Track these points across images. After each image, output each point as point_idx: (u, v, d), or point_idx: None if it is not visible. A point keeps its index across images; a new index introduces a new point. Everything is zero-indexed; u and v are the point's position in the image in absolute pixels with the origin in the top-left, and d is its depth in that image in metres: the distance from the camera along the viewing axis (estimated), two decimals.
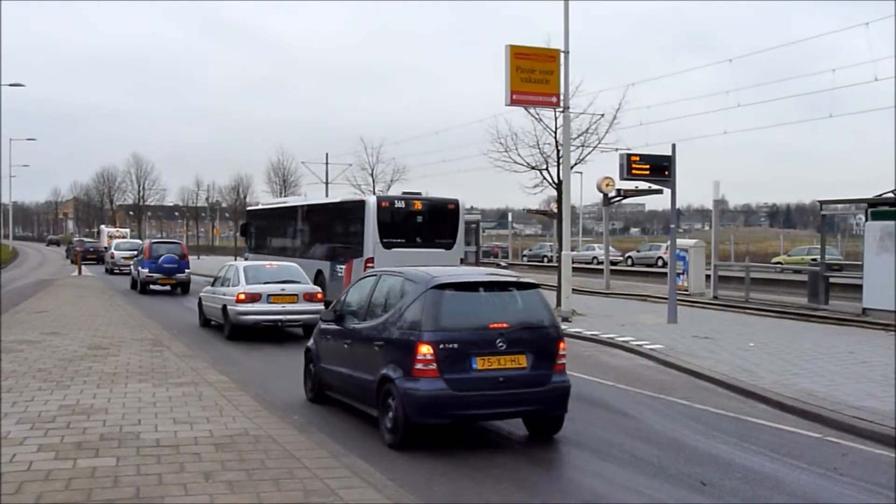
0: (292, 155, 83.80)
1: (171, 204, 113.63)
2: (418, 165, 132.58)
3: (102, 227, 74.83)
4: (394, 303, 9.45)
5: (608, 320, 20.34)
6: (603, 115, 22.87)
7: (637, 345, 16.00)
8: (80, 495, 6.26)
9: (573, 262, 23.60)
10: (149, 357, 13.57)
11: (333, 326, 10.73)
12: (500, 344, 8.71)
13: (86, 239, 71.04)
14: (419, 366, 8.52)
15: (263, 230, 33.17)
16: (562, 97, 20.67)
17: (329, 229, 26.30)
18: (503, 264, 29.22)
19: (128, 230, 73.92)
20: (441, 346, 8.54)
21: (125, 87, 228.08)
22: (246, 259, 29.90)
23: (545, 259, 60.32)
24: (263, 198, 75.06)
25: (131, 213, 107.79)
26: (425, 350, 8.50)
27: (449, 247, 22.81)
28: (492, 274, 10.39)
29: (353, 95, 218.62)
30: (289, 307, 17.63)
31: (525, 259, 63.26)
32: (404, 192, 24.89)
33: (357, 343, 9.97)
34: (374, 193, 28.68)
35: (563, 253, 21.47)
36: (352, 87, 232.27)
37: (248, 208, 42.25)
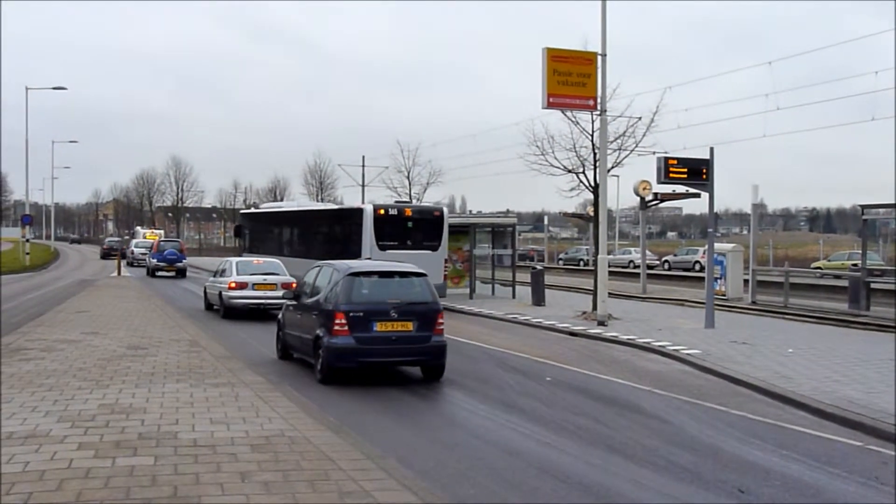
0: (329, 157, 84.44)
1: (209, 206, 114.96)
2: (455, 168, 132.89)
3: (138, 228, 76.74)
4: (326, 285, 13.34)
5: (644, 325, 20.20)
6: (640, 119, 22.75)
7: (673, 349, 15.87)
8: (119, 493, 6.34)
9: (609, 266, 23.47)
10: (186, 357, 13.71)
11: (293, 302, 14.86)
12: (393, 314, 12.50)
13: (111, 238, 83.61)
14: (336, 328, 12.33)
15: (262, 232, 36.30)
16: (599, 100, 20.56)
17: (329, 232, 29.77)
18: (538, 267, 29.03)
19: (162, 231, 74.98)
20: (350, 314, 12.38)
21: (167, 89, 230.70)
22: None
23: (581, 263, 60.02)
24: (300, 199, 75.66)
25: (170, 214, 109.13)
26: (339, 317, 12.33)
27: (435, 248, 26.22)
28: (395, 267, 14.10)
29: (391, 98, 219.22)
30: (269, 293, 22.05)
31: (561, 262, 62.90)
32: (396, 202, 29.04)
33: (304, 313, 13.92)
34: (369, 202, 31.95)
35: (599, 257, 21.36)
36: (391, 89, 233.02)
37: (241, 212, 46.77)
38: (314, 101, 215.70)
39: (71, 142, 78.80)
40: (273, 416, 9.30)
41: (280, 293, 20.37)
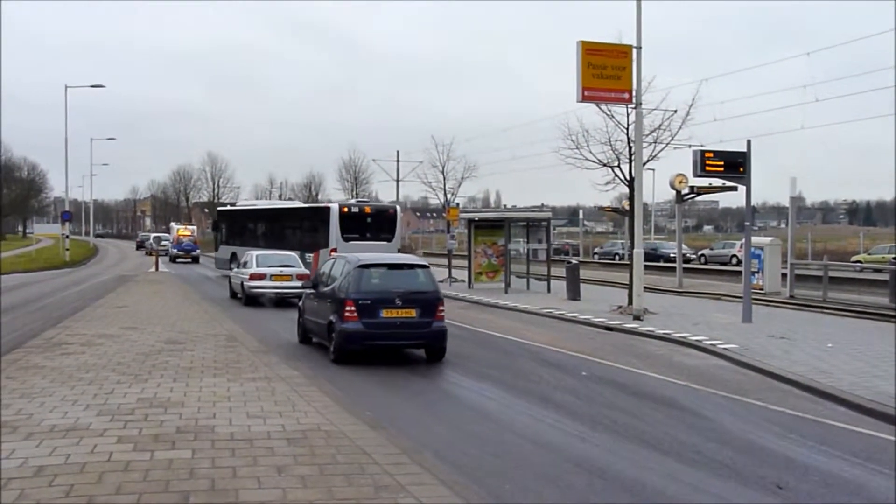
0: (364, 152, 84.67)
1: (246, 201, 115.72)
2: (489, 163, 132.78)
3: (173, 224, 77.90)
4: (339, 275, 14.76)
5: (681, 319, 20.05)
6: (676, 111, 22.52)
7: (710, 344, 15.73)
8: (158, 486, 6.41)
9: (645, 261, 23.33)
10: (223, 352, 13.84)
11: (311, 291, 16.35)
12: (398, 301, 13.88)
13: (141, 233, 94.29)
14: (347, 314, 13.75)
15: (240, 226, 40.22)
16: (634, 93, 20.38)
17: (300, 227, 34.71)
18: (574, 262, 28.97)
19: (195, 227, 75.87)
20: (359, 302, 13.78)
21: (203, 86, 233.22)
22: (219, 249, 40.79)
23: (616, 257, 59.60)
24: (335, 195, 76.37)
25: (206, 210, 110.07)
26: (349, 305, 13.74)
27: (389, 240, 31.20)
28: (400, 259, 16.23)
29: (426, 94, 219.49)
30: (285, 283, 24.35)
31: (596, 257, 62.48)
32: (358, 201, 36.42)
33: (320, 301, 15.33)
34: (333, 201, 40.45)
35: (634, 251, 21.21)
36: (426, 85, 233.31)
37: (218, 209, 50.93)
38: (348, 97, 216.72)
39: (109, 139, 79.79)
40: (309, 410, 9.36)
41: (295, 283, 23.78)
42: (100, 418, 8.69)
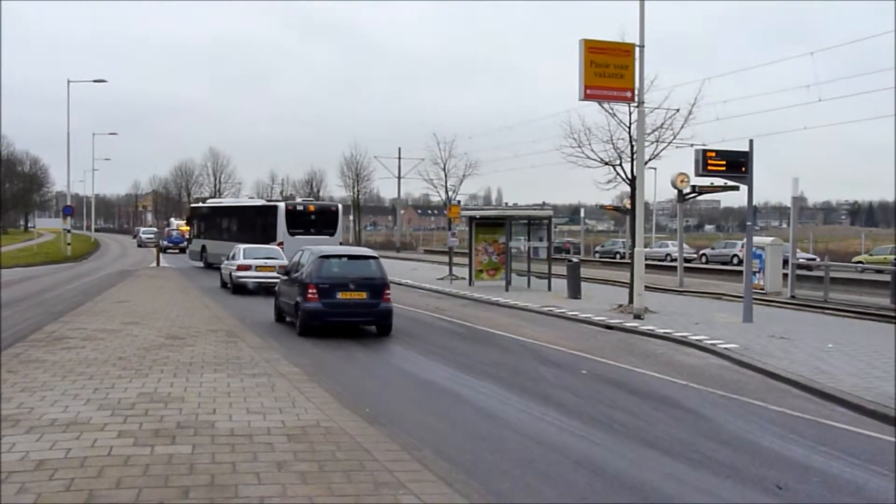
0: (366, 149, 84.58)
1: (247, 197, 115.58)
2: (491, 160, 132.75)
3: (172, 219, 78.59)
4: (305, 263, 17.54)
5: (681, 318, 20.04)
6: (678, 110, 22.50)
7: (711, 344, 15.72)
8: (158, 481, 6.43)
9: (646, 259, 23.32)
10: (224, 348, 13.85)
11: (284, 277, 19.32)
12: (352, 286, 16.77)
13: (137, 228, 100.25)
14: (309, 295, 16.55)
15: (207, 222, 44.08)
16: (636, 92, 20.36)
17: (254, 222, 38.48)
18: (575, 260, 28.97)
19: None
20: (319, 286, 16.55)
21: (207, 80, 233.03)
22: (196, 241, 44.83)
23: (617, 255, 59.58)
24: (336, 192, 76.59)
25: None
26: (311, 288, 16.52)
27: (332, 234, 35.31)
28: (354, 251, 19.81)
29: (429, 91, 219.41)
30: (268, 274, 26.37)
31: (597, 255, 62.45)
32: (303, 199, 42.67)
33: (291, 286, 18.01)
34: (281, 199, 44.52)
35: (635, 250, 21.20)
36: (430, 82, 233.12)
37: (191, 206, 55.08)
38: (352, 94, 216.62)
39: (111, 134, 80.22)
40: (309, 406, 9.37)
41: (277, 273, 25.09)
42: (100, 413, 8.70)
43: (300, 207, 36.17)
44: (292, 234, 34.25)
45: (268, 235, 34.97)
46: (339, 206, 39.08)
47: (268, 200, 41.46)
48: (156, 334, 15.29)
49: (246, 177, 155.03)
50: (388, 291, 17.12)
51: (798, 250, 30.57)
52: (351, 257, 18.13)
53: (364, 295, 16.76)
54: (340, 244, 34.93)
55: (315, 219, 35.78)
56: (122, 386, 10.24)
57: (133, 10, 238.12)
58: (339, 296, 16.60)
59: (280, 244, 32.46)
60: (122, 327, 16.24)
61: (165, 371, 11.39)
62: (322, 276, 16.76)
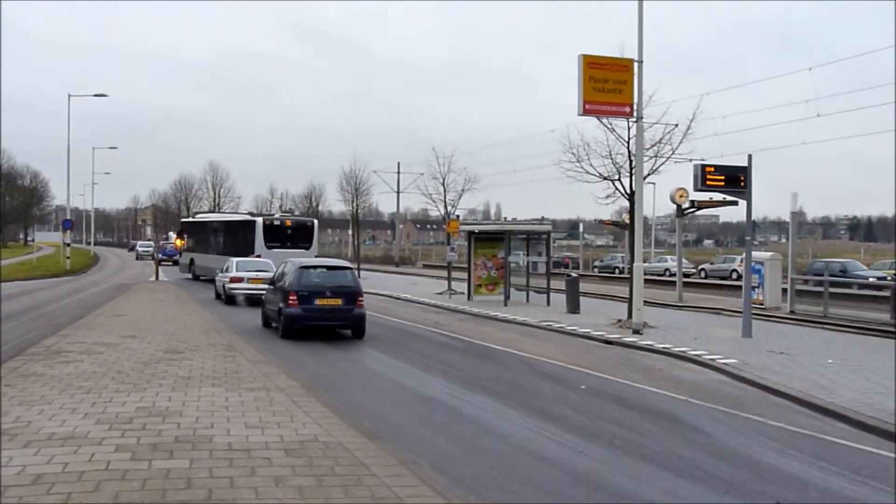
0: (365, 163, 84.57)
1: (246, 211, 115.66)
2: (490, 175, 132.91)
3: (170, 233, 78.51)
4: (287, 273, 19.23)
5: (680, 333, 20.03)
6: (677, 125, 22.55)
7: (710, 359, 15.71)
8: (155, 496, 6.40)
9: (645, 274, 23.32)
10: (222, 362, 13.82)
11: (270, 287, 20.95)
12: (328, 293, 18.49)
13: (142, 242, 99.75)
14: (290, 302, 18.24)
15: (194, 236, 46.80)
16: (635, 107, 20.43)
17: (235, 236, 39.96)
18: (573, 275, 28.98)
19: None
20: (299, 293, 18.27)
21: (208, 94, 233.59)
22: (185, 255, 48.00)
23: (616, 270, 59.57)
24: (335, 206, 77.04)
25: None
26: (292, 295, 18.22)
27: (307, 248, 37.15)
28: (331, 262, 21.27)
29: (430, 103, 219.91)
30: (259, 286, 27.01)
31: (596, 270, 62.41)
32: (281, 214, 47.27)
33: (275, 293, 19.70)
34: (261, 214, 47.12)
35: (634, 264, 21.21)
36: (431, 95, 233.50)
37: (182, 220, 58.40)
38: (353, 107, 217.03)
39: (111, 148, 79.82)
40: (307, 420, 9.35)
41: (267, 286, 26.75)
42: (98, 427, 8.67)
43: (277, 222, 38.14)
44: (269, 248, 36.11)
45: (246, 248, 36.60)
46: (315, 221, 41.00)
47: (252, 215, 42.31)
48: (154, 348, 15.26)
49: (246, 191, 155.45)
50: (361, 298, 18.91)
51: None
52: (328, 268, 19.90)
53: (339, 301, 18.55)
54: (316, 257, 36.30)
55: (291, 233, 37.72)
56: (120, 400, 10.21)
57: (135, 24, 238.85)
58: (317, 302, 18.37)
59: (258, 257, 34.03)
60: (120, 341, 16.21)
61: (164, 385, 11.35)
62: (302, 284, 18.52)
